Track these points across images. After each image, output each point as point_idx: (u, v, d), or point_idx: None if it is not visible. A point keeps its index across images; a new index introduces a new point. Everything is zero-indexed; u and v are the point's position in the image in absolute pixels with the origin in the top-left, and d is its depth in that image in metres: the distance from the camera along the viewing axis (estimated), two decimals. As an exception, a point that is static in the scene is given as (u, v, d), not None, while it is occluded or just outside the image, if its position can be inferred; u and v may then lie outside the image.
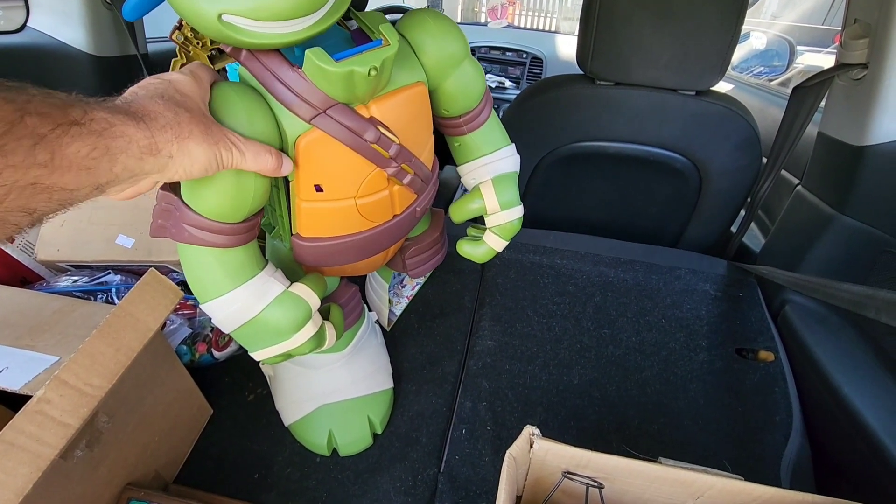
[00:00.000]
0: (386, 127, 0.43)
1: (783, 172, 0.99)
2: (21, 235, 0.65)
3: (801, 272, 0.80)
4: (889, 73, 0.64)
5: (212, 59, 0.47)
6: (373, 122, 0.42)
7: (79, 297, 0.62)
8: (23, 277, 0.66)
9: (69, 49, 0.87)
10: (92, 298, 0.63)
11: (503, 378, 0.72)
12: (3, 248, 0.63)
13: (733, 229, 1.05)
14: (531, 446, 0.39)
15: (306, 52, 0.36)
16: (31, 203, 0.24)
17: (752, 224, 0.99)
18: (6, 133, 0.22)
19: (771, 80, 1.77)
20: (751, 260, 0.98)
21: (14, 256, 0.65)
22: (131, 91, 0.32)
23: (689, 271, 0.91)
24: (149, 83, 0.33)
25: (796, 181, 0.88)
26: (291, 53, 0.39)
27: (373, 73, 0.37)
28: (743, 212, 0.99)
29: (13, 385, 0.40)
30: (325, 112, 0.40)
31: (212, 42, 0.46)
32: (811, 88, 0.76)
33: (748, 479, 0.38)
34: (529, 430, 0.38)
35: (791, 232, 0.88)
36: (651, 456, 0.50)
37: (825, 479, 0.65)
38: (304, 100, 0.39)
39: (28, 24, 0.88)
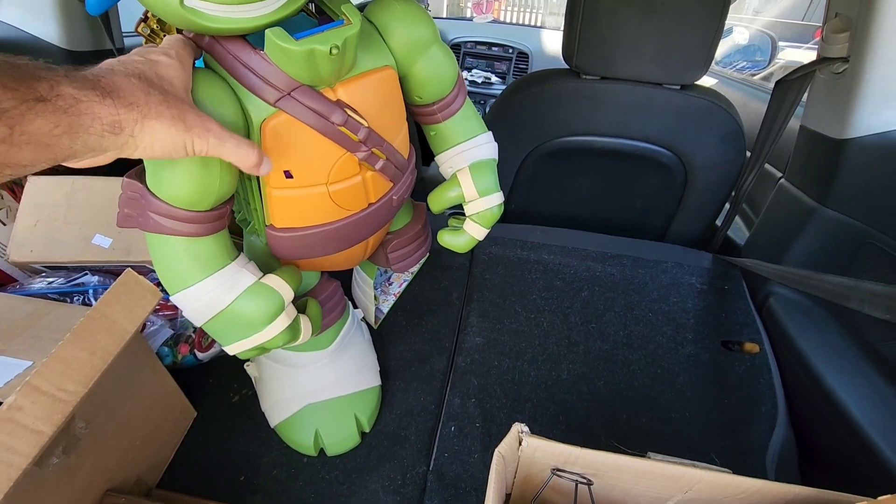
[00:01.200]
0: (353, 109, 0.42)
1: (766, 166, 0.99)
2: (-8, 236, 0.63)
3: (785, 264, 0.81)
4: (869, 67, 0.65)
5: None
6: (339, 104, 0.41)
7: (54, 299, 0.60)
8: (-5, 280, 0.64)
9: (41, 43, 0.84)
10: (68, 300, 0.61)
11: (492, 374, 0.71)
12: (-27, 249, 0.61)
13: (718, 223, 1.06)
14: (520, 444, 0.38)
15: (266, 32, 0.35)
16: None
17: (737, 217, 1.00)
18: None
19: (753, 75, 1.78)
20: (736, 253, 0.99)
21: (-15, 258, 0.62)
22: (109, 63, 0.31)
23: (675, 265, 0.91)
24: (130, 59, 0.32)
25: (779, 174, 0.89)
26: (255, 38, 0.38)
27: (334, 51, 0.37)
28: (728, 205, 1.00)
29: (-17, 391, 0.39)
30: (289, 94, 0.39)
31: (178, 31, 0.45)
32: (793, 82, 0.76)
33: (735, 470, 0.38)
34: (518, 428, 0.38)
35: (774, 225, 0.89)
36: (640, 450, 0.50)
37: (809, 469, 0.66)
38: (267, 82, 0.38)
39: (-2, 17, 0.85)
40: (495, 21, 2.36)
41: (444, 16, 3.60)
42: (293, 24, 0.37)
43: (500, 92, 2.00)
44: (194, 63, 0.37)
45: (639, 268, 0.91)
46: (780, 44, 2.28)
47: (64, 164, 0.28)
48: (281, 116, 0.40)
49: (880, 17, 0.62)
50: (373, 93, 0.44)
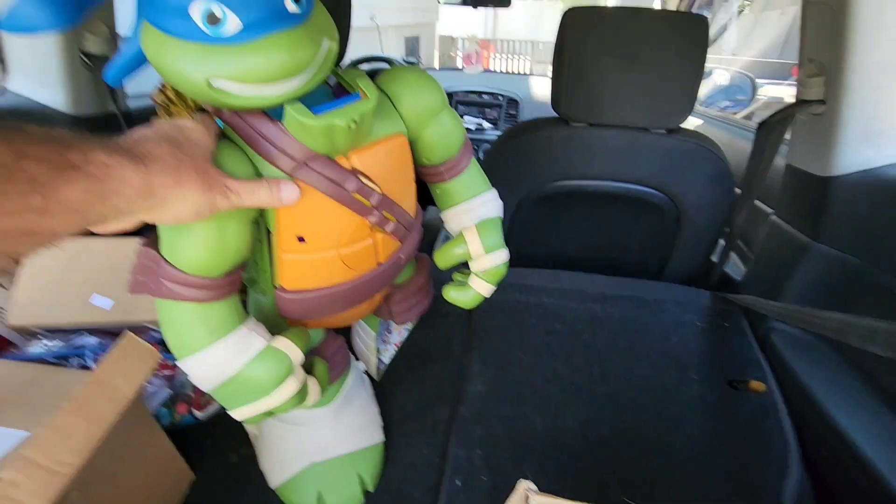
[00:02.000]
0: (367, 176, 0.43)
1: (757, 203, 1.02)
2: (-8, 301, 0.63)
3: (783, 300, 0.81)
4: (846, 109, 0.68)
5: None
6: (354, 172, 0.43)
7: (52, 363, 0.59)
8: (-7, 345, 0.63)
9: (48, 110, 0.87)
10: (66, 363, 0.60)
11: (496, 423, 0.70)
12: (-28, 314, 0.61)
13: (715, 258, 1.07)
14: (527, 502, 0.37)
15: (286, 106, 0.37)
16: (16, 247, 0.24)
17: (732, 254, 1.01)
18: (1, 178, 0.22)
19: (736, 114, 1.85)
20: (734, 289, 0.99)
21: (-16, 323, 0.62)
22: (141, 132, 0.32)
23: (674, 303, 0.91)
24: (160, 125, 0.34)
25: (770, 210, 0.91)
26: (273, 109, 0.40)
27: (352, 125, 0.38)
28: (722, 241, 1.01)
29: (-23, 466, 0.38)
30: (305, 164, 0.40)
31: (194, 102, 0.47)
32: (775, 123, 0.79)
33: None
34: (524, 486, 0.37)
35: (769, 261, 0.90)
36: (650, 501, 0.49)
37: (827, 513, 0.64)
38: (284, 153, 0.39)
39: (7, 87, 0.88)
40: (486, 71, 2.46)
41: (437, 67, 3.75)
42: (311, 98, 0.39)
43: (492, 136, 2.07)
44: (217, 133, 0.39)
45: (638, 308, 0.91)
46: (761, 81, 2.38)
47: (91, 229, 0.29)
48: (297, 185, 0.41)
49: (851, 62, 0.65)
50: (385, 159, 0.46)
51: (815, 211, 0.76)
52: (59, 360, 0.60)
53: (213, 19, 0.32)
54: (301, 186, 0.41)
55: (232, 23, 0.32)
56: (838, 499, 0.65)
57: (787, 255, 0.83)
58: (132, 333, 0.46)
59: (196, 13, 0.32)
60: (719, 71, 2.13)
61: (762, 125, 0.82)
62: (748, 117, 1.83)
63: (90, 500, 0.45)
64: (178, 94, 0.46)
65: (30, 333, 0.65)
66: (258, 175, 0.41)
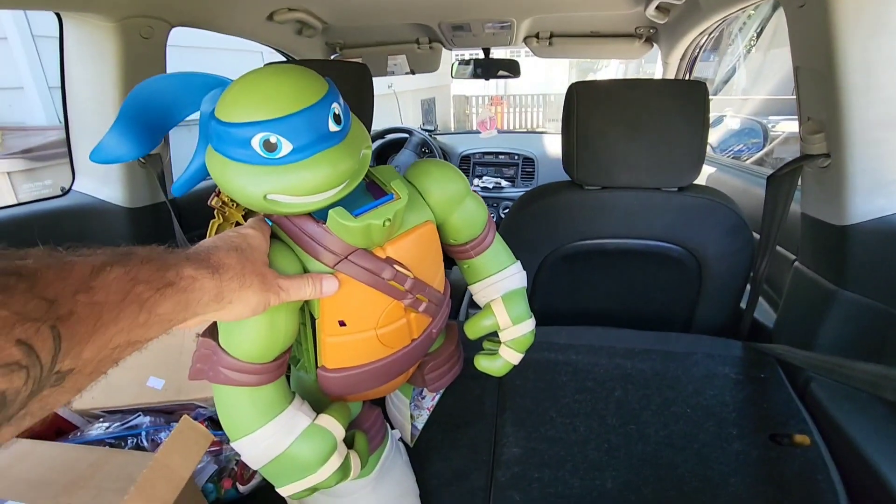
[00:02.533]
0: (401, 264, 0.48)
1: (779, 248, 1.02)
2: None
3: (816, 348, 0.80)
4: (850, 162, 0.70)
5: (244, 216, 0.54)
6: (389, 261, 0.47)
7: (111, 443, 0.63)
8: (58, 428, 0.68)
9: (107, 205, 0.97)
10: (123, 444, 0.64)
11: (534, 488, 0.69)
12: (41, 400, 0.66)
13: (743, 305, 1.06)
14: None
15: (329, 212, 0.42)
16: (122, 355, 0.27)
17: (762, 300, 1.00)
18: (121, 302, 0.26)
19: (750, 157, 1.87)
20: (766, 336, 0.98)
21: (51, 408, 0.67)
22: (212, 241, 0.38)
23: (705, 356, 0.91)
24: (227, 236, 0.39)
25: (793, 256, 0.91)
26: (318, 212, 0.45)
27: (387, 223, 0.43)
28: (749, 288, 1.01)
29: (52, 552, 0.41)
30: (346, 258, 0.45)
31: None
32: (784, 176, 0.82)
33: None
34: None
35: (798, 308, 0.89)
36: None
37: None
38: (328, 249, 0.44)
39: (73, 187, 0.99)
40: (500, 132, 2.57)
41: (453, 130, 3.91)
42: (350, 197, 0.44)
43: (510, 194, 2.13)
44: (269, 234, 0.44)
45: (669, 361, 0.90)
46: (776, 118, 2.40)
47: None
48: (338, 276, 0.45)
49: (849, 120, 0.68)
50: (416, 246, 0.50)
51: (837, 258, 0.77)
52: (117, 440, 0.64)
53: (269, 146, 0.38)
54: (342, 278, 0.45)
55: (285, 148, 0.38)
56: None
57: (815, 303, 0.82)
58: (188, 417, 0.50)
59: (256, 143, 0.38)
60: (730, 117, 2.18)
61: (771, 178, 0.85)
62: (769, 154, 1.84)
63: (148, 582, 0.47)
64: (231, 199, 0.53)
65: (91, 416, 0.70)
66: (304, 269, 0.45)
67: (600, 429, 0.78)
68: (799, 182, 0.83)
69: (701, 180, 1.08)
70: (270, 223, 0.46)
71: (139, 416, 0.68)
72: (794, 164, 0.78)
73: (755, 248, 0.94)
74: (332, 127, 0.40)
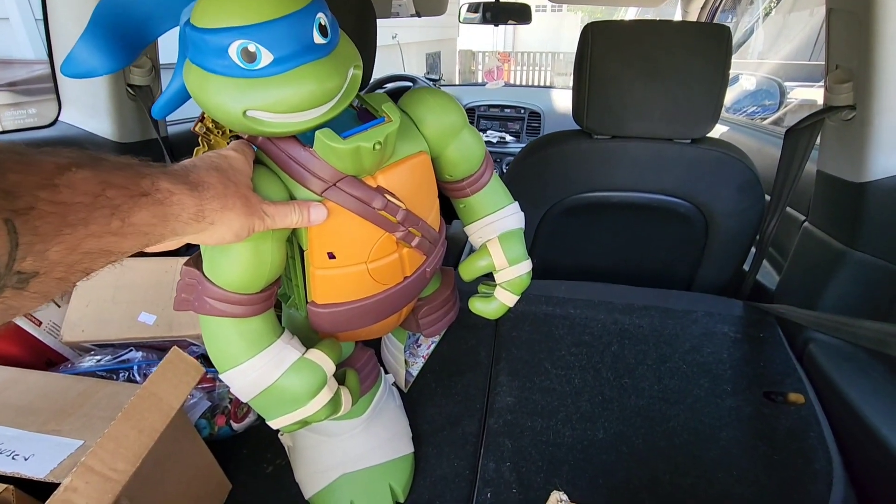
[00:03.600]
0: (392, 194, 0.45)
1: (789, 209, 0.99)
2: (48, 318, 0.68)
3: (819, 309, 0.79)
4: (877, 113, 0.66)
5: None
6: (379, 190, 0.45)
7: (102, 376, 0.63)
8: (48, 359, 0.67)
9: (96, 138, 0.93)
10: (115, 377, 0.64)
11: (525, 436, 0.70)
12: (29, 331, 0.65)
13: (746, 267, 1.04)
14: (559, 513, 0.38)
15: (316, 133, 0.39)
16: (93, 265, 0.26)
17: (765, 262, 0.98)
18: (90, 205, 0.24)
19: (764, 119, 1.81)
20: (767, 298, 0.97)
21: (40, 339, 0.66)
22: (192, 161, 0.35)
23: (705, 314, 0.90)
24: (207, 156, 0.37)
25: (802, 217, 0.89)
26: (303, 134, 0.42)
27: (377, 147, 0.41)
28: (754, 250, 0.99)
29: (39, 473, 0.41)
30: (335, 185, 0.42)
31: (230, 131, 0.50)
32: (803, 130, 0.78)
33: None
34: (557, 497, 0.37)
35: (804, 269, 0.87)
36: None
37: (876, 532, 0.61)
38: (315, 175, 0.42)
39: (60, 118, 0.95)
40: (507, 85, 2.48)
41: (458, 83, 3.80)
42: (338, 122, 0.41)
43: (514, 149, 2.08)
44: (254, 159, 0.42)
45: (668, 318, 0.89)
46: (791, 84, 2.32)
47: (147, 249, 0.32)
48: (326, 204, 0.43)
49: (880, 67, 0.64)
50: (409, 177, 0.48)
51: (850, 217, 0.74)
52: (109, 373, 0.64)
53: (248, 56, 0.34)
54: (330, 206, 0.43)
55: (265, 58, 0.35)
56: None
57: (823, 263, 0.80)
58: (178, 348, 0.48)
59: (233, 51, 0.34)
60: (746, 76, 2.10)
61: (789, 132, 0.81)
62: (778, 122, 1.79)
63: (138, 507, 0.47)
64: (216, 124, 0.49)
65: (82, 349, 0.69)
66: (291, 197, 0.43)
67: (594, 381, 0.78)
68: (817, 141, 0.80)
69: None
70: (256, 148, 0.44)
71: (131, 350, 0.67)
72: (816, 117, 0.75)
73: (765, 208, 0.92)
74: (318, 39, 0.37)
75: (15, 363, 0.60)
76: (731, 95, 2.04)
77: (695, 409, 0.73)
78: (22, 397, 0.53)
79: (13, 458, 0.42)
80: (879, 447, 0.61)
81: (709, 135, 0.91)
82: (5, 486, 0.41)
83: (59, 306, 0.70)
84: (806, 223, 0.87)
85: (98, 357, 0.66)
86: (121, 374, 0.64)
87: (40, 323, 0.67)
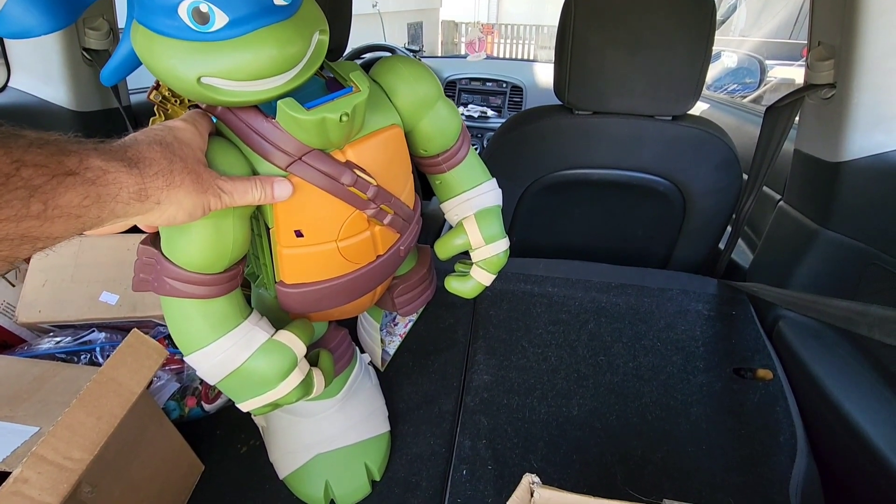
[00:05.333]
0: (362, 169, 0.43)
1: (765, 188, 1.00)
2: (1, 298, 0.64)
3: (791, 287, 0.80)
4: (856, 92, 0.66)
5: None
6: (349, 165, 0.42)
7: (62, 358, 0.60)
8: (3, 341, 0.64)
9: (51, 106, 0.87)
10: (76, 359, 0.61)
11: (502, 413, 0.70)
12: (-18, 312, 0.62)
13: (721, 246, 1.06)
14: (532, 496, 0.38)
15: (279, 103, 0.37)
16: (16, 252, 0.24)
17: (740, 240, 1.00)
18: (1, 185, 0.22)
19: (744, 97, 1.82)
20: (740, 276, 0.99)
21: (-6, 320, 0.63)
22: (132, 136, 0.32)
23: (680, 292, 0.91)
24: (151, 129, 0.34)
25: (778, 197, 0.90)
26: (266, 105, 0.39)
27: (344, 118, 0.38)
28: (729, 228, 1.00)
29: (-10, 462, 0.39)
30: (300, 159, 0.40)
31: (189, 100, 0.47)
32: (783, 108, 0.78)
33: (757, 505, 0.37)
34: (529, 479, 0.37)
35: (777, 248, 0.89)
36: (656, 490, 0.49)
37: (835, 501, 0.64)
38: (279, 148, 0.39)
39: (9, 84, 0.88)
40: (489, 58, 2.42)
41: (440, 55, 3.71)
42: (304, 91, 0.38)
43: (495, 124, 2.05)
44: (210, 130, 0.39)
45: (644, 297, 0.90)
46: (771, 62, 2.33)
47: (87, 233, 0.29)
48: (292, 180, 0.41)
49: (863, 44, 0.64)
50: (380, 151, 0.45)
51: (824, 197, 0.75)
52: (69, 355, 0.61)
53: (200, 16, 0.31)
54: (296, 181, 0.41)
55: (219, 19, 0.32)
56: (846, 486, 0.65)
57: (796, 242, 0.82)
58: (138, 330, 0.46)
59: (183, 11, 0.31)
60: (727, 53, 2.09)
61: (769, 110, 0.81)
62: (757, 100, 1.80)
63: (102, 494, 0.45)
64: (172, 92, 0.46)
65: (40, 330, 0.66)
66: (253, 171, 0.40)
67: (570, 359, 0.79)
68: (796, 120, 0.80)
69: None
70: (215, 119, 0.41)
71: (93, 331, 0.64)
72: (796, 95, 0.74)
73: (742, 187, 0.92)
74: (278, 0, 0.34)
75: (-34, 346, 0.57)
76: (712, 73, 2.04)
77: (667, 386, 0.74)
78: (-27, 382, 0.50)
79: (-38, 447, 0.40)
80: (841, 421, 0.63)
81: (689, 112, 0.91)
82: (-47, 475, 0.39)
83: (13, 286, 0.66)
84: (781, 202, 0.88)
85: (58, 339, 0.63)
86: (82, 357, 0.61)
87: (-7, 303, 0.63)
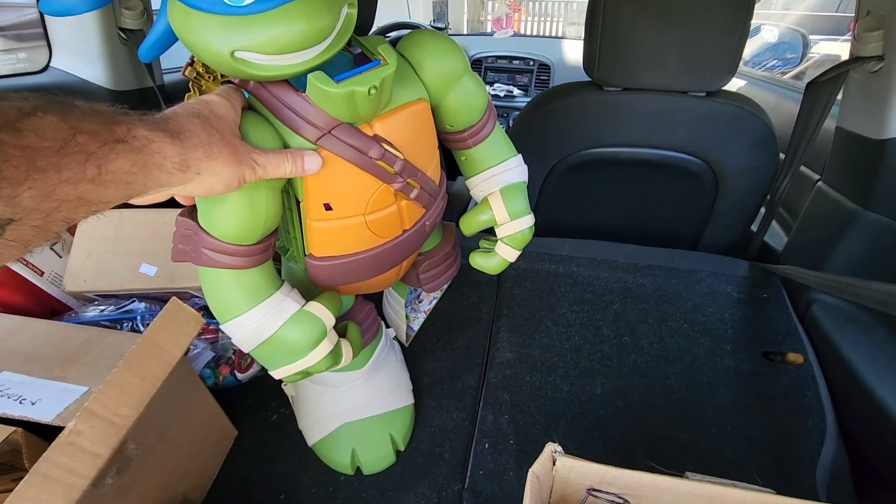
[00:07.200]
0: (389, 143, 0.44)
1: (803, 168, 0.96)
2: (50, 268, 0.68)
3: (827, 270, 0.78)
4: (906, 65, 0.63)
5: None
6: (376, 139, 0.43)
7: (106, 326, 0.63)
8: (52, 308, 0.68)
9: (90, 85, 0.90)
10: (118, 327, 0.64)
11: (524, 390, 0.71)
12: (33, 281, 0.66)
13: (754, 228, 1.03)
14: (554, 464, 0.38)
15: (308, 76, 0.38)
16: (73, 214, 0.26)
17: (774, 222, 0.97)
18: (61, 150, 0.24)
19: (784, 74, 1.73)
20: (774, 259, 0.96)
21: (44, 289, 0.67)
22: (172, 109, 0.34)
23: (709, 274, 0.89)
24: (188, 104, 0.35)
25: (817, 177, 0.86)
26: (296, 79, 0.40)
27: (372, 91, 0.39)
28: (763, 210, 0.97)
29: (45, 417, 0.42)
30: (329, 132, 0.41)
31: (222, 76, 0.48)
32: (826, 83, 0.74)
33: (782, 488, 0.37)
34: (551, 448, 0.38)
35: (814, 229, 0.86)
36: (678, 468, 0.49)
37: (865, 488, 0.63)
38: (309, 122, 0.40)
39: (51, 64, 0.91)
40: (516, 35, 2.37)
41: (465, 32, 3.65)
42: (332, 66, 0.39)
43: (522, 103, 2.01)
44: (243, 105, 0.40)
45: (672, 278, 0.89)
46: (815, 37, 2.21)
47: (132, 201, 0.31)
48: (321, 153, 0.42)
49: (915, 13, 0.60)
50: (407, 126, 0.46)
51: (866, 176, 0.72)
52: (113, 323, 0.65)
53: None
54: (325, 155, 0.42)
55: None
56: (876, 473, 0.63)
57: (834, 224, 0.79)
58: (177, 299, 0.48)
59: None
60: (768, 27, 1.99)
61: (811, 85, 0.77)
62: (798, 77, 1.71)
63: (145, 451, 0.49)
64: (206, 68, 0.47)
65: (85, 299, 0.69)
66: (284, 145, 0.41)
67: (595, 339, 0.79)
68: (839, 96, 0.76)
69: None
70: (247, 94, 0.42)
71: (134, 301, 0.68)
72: (841, 69, 0.71)
73: (778, 166, 0.89)
74: None
75: (19, 312, 0.61)
76: (750, 48, 1.95)
77: (693, 368, 0.74)
78: (27, 345, 0.54)
79: (20, 403, 0.43)
80: (874, 407, 0.62)
81: (724, 88, 0.87)
82: (14, 428, 0.42)
83: (59, 256, 0.70)
84: (820, 182, 0.85)
85: (102, 307, 0.67)
86: (124, 325, 0.65)
87: (42, 273, 0.67)
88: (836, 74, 0.72)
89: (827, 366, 0.72)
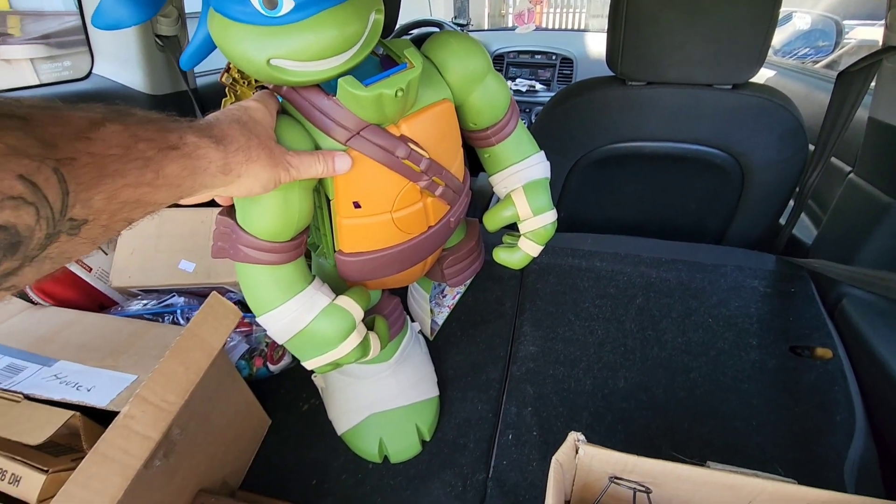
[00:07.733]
0: (415, 143, 0.46)
1: (833, 160, 0.94)
2: (97, 265, 0.72)
3: (858, 264, 0.76)
4: (941, 53, 0.61)
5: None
6: (403, 139, 0.45)
7: (149, 319, 0.67)
8: (100, 303, 0.73)
9: (129, 90, 0.95)
10: (160, 320, 0.68)
11: (547, 383, 0.72)
12: (83, 276, 0.70)
13: (782, 221, 1.01)
14: (577, 452, 0.40)
15: (339, 81, 0.40)
16: (133, 214, 0.28)
17: (803, 215, 0.95)
18: (123, 156, 0.26)
19: (816, 63, 1.68)
20: (803, 253, 0.94)
21: (92, 284, 0.71)
22: (214, 115, 0.36)
23: (735, 268, 0.88)
24: (229, 110, 0.38)
25: (848, 168, 0.84)
26: (327, 84, 0.42)
27: (399, 94, 0.40)
28: (792, 202, 0.95)
29: (101, 402, 0.45)
30: (358, 133, 0.43)
31: (256, 81, 0.51)
32: (857, 73, 0.73)
33: (808, 482, 0.37)
34: (574, 437, 0.39)
35: (845, 222, 0.84)
36: (701, 461, 0.50)
37: (893, 483, 0.62)
38: (339, 124, 0.42)
39: (93, 71, 0.96)
40: (538, 29, 2.36)
41: (486, 27, 3.63)
42: (361, 70, 0.41)
43: (544, 98, 2.00)
44: (277, 109, 0.42)
45: (696, 272, 0.88)
46: (851, 22, 2.12)
47: (180, 202, 0.33)
48: (351, 153, 0.44)
49: (951, 0, 0.58)
50: (432, 125, 0.48)
51: None
52: (155, 316, 0.68)
53: (270, 3, 0.35)
54: (355, 155, 0.44)
55: (286, 4, 0.35)
56: None
57: (866, 217, 0.77)
58: (217, 294, 0.51)
59: None
60: (800, 14, 1.93)
61: (842, 75, 0.75)
62: (832, 66, 1.66)
63: (189, 437, 0.52)
64: (241, 74, 0.50)
65: (129, 294, 0.74)
66: (316, 147, 0.44)
67: (618, 333, 0.79)
68: (871, 85, 0.74)
69: None
70: (281, 99, 0.44)
71: (174, 296, 0.71)
72: (873, 58, 0.69)
73: (807, 158, 0.87)
74: None
75: (72, 306, 0.65)
76: (780, 36, 1.89)
77: (717, 362, 0.73)
78: (81, 336, 0.58)
79: (77, 389, 0.47)
80: None
81: (752, 80, 0.86)
82: (73, 412, 0.45)
83: (105, 254, 0.74)
84: (851, 174, 0.83)
85: (144, 301, 0.71)
86: (166, 318, 0.68)
87: (90, 269, 0.71)
88: (868, 64, 0.71)
89: (857, 360, 0.71)
